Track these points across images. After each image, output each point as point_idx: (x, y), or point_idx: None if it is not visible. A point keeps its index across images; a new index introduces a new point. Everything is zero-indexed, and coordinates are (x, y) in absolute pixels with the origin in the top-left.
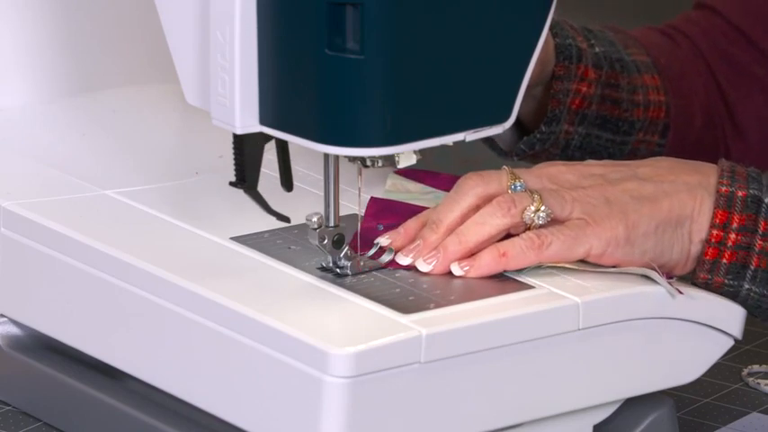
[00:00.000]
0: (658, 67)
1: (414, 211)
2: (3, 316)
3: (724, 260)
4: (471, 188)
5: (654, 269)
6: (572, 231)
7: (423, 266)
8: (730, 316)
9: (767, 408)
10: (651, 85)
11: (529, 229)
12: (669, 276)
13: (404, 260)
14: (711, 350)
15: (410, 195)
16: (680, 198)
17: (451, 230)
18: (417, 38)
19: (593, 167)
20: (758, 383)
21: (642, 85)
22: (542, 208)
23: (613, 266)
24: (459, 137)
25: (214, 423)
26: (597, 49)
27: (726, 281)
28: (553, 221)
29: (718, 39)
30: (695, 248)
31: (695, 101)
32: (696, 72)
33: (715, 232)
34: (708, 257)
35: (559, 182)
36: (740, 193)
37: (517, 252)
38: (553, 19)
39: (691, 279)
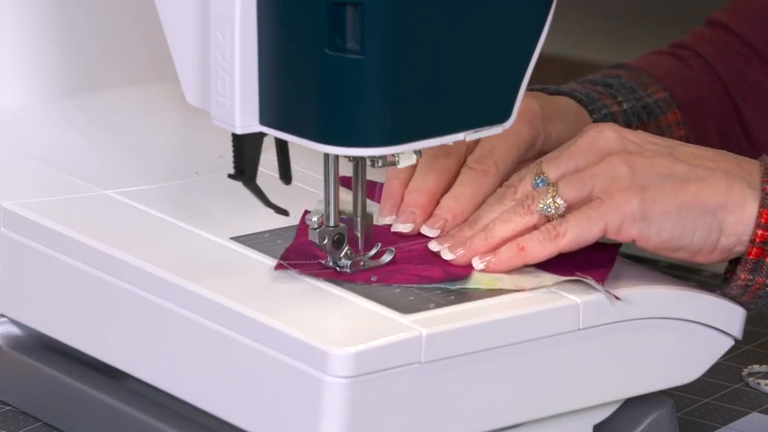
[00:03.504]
0: (676, 99)
1: (347, 226)
2: (3, 316)
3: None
4: (512, 195)
5: (586, 278)
6: (585, 214)
7: (447, 255)
8: (730, 316)
9: (767, 408)
10: (674, 122)
11: (549, 221)
12: (603, 276)
13: (436, 247)
14: (711, 350)
15: (346, 207)
16: (714, 185)
17: None
18: (417, 38)
19: (632, 135)
20: (758, 383)
21: (667, 125)
22: (554, 199)
23: (631, 241)
24: (459, 137)
25: (214, 423)
26: (625, 106)
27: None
28: (578, 204)
29: (733, 58)
30: (726, 240)
31: (711, 125)
32: (712, 94)
33: (760, 232)
34: (751, 257)
35: (591, 153)
36: None
37: (535, 245)
38: (580, 90)
39: (722, 277)
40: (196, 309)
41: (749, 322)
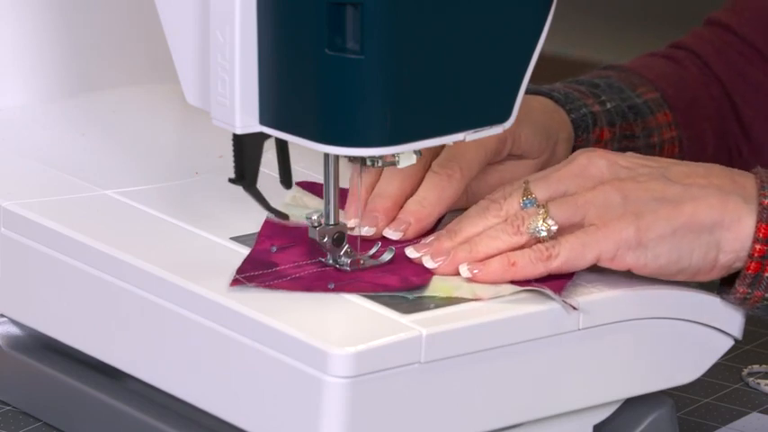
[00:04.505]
0: (668, 100)
1: (306, 232)
2: (3, 316)
3: (766, 274)
4: (496, 210)
5: (543, 288)
6: (579, 239)
7: (429, 263)
8: (730, 316)
9: (767, 408)
10: (664, 123)
11: (540, 242)
12: (561, 287)
13: (413, 254)
14: (711, 350)
15: (308, 211)
16: (708, 203)
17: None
18: (417, 38)
19: (623, 159)
20: (758, 383)
21: (656, 125)
22: (546, 221)
23: (627, 269)
24: (459, 137)
25: (214, 423)
26: (609, 105)
27: (766, 294)
28: (569, 229)
29: (733, 57)
30: (725, 257)
31: (707, 126)
32: (707, 96)
33: (758, 247)
34: (750, 271)
35: (582, 179)
36: None
37: (526, 263)
38: (560, 90)
39: (717, 286)
40: (196, 309)
41: (749, 322)
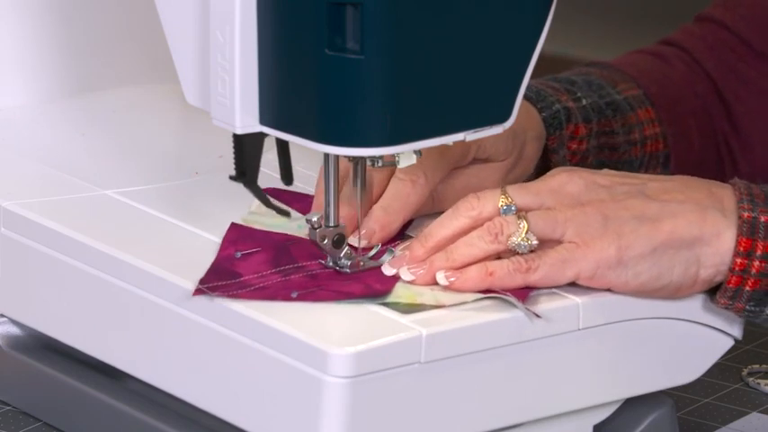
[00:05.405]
0: (651, 97)
1: (272, 239)
2: (3, 316)
3: (747, 288)
4: (467, 210)
5: (506, 295)
6: (560, 255)
7: (406, 275)
8: (730, 316)
9: (767, 408)
10: (646, 119)
11: (517, 254)
12: (524, 295)
13: (389, 271)
14: (711, 350)
15: (274, 220)
16: (687, 219)
17: (439, 247)
18: (417, 38)
19: (601, 178)
20: (758, 383)
21: (637, 122)
22: (526, 236)
23: (606, 289)
24: (459, 137)
25: (214, 423)
26: (584, 102)
27: (747, 307)
28: (546, 243)
29: (726, 54)
30: (706, 272)
31: (692, 123)
32: (692, 93)
33: (739, 260)
34: (731, 285)
35: (560, 195)
36: (763, 219)
37: (504, 273)
38: (533, 87)
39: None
40: (196, 309)
41: (749, 322)
